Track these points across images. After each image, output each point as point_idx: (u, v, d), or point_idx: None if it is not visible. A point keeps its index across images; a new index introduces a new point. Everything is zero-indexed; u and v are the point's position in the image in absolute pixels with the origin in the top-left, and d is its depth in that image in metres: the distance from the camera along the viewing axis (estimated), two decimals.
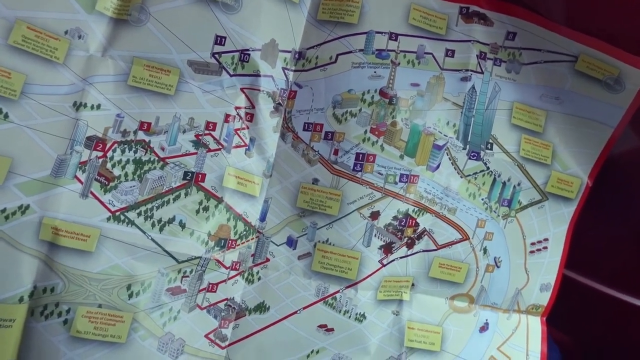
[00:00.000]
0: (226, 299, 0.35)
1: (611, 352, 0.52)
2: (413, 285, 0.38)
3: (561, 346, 0.50)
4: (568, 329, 0.53)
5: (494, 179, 0.39)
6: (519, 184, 0.39)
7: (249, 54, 0.35)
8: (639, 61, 0.38)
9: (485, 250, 0.39)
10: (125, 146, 0.33)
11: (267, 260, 0.36)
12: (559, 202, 0.41)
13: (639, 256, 0.46)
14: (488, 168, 0.38)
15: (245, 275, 0.36)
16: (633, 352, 0.49)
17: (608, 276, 0.47)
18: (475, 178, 0.38)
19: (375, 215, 0.36)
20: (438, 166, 0.37)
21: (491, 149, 0.38)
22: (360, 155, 0.36)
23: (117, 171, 0.33)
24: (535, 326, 0.42)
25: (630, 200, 0.44)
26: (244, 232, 0.36)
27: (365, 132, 0.36)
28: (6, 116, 0.30)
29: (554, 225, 0.41)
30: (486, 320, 0.40)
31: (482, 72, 0.38)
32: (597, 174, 0.41)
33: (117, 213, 0.32)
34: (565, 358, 0.50)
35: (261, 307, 0.35)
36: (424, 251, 0.38)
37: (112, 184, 0.32)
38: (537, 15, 0.38)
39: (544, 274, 0.41)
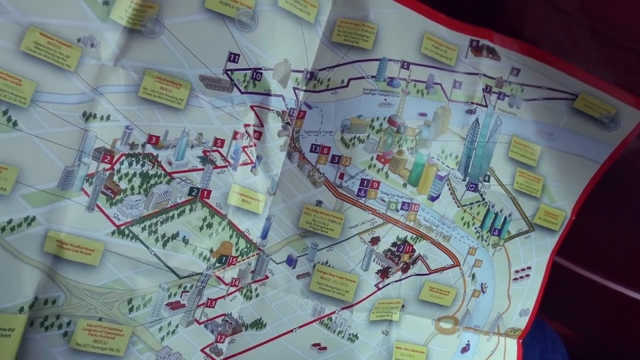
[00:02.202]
0: (224, 315, 0.35)
1: (613, 344, 0.54)
2: (403, 306, 0.40)
3: (565, 339, 0.53)
4: (571, 323, 0.55)
5: (488, 210, 0.40)
6: (509, 215, 0.41)
7: (261, 73, 0.35)
8: (638, 101, 0.40)
9: (473, 277, 0.41)
10: (133, 159, 0.33)
11: (266, 277, 0.37)
12: (543, 233, 0.43)
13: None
14: (484, 199, 0.40)
15: (244, 291, 0.36)
16: (633, 345, 0.52)
17: (610, 270, 0.49)
18: (471, 208, 0.40)
19: (375, 240, 0.37)
20: (438, 196, 0.38)
21: (488, 181, 0.40)
22: (365, 181, 0.37)
23: (123, 184, 0.32)
24: (512, 348, 0.44)
25: (631, 196, 0.45)
26: (245, 249, 0.36)
27: (372, 158, 0.37)
28: (15, 124, 0.29)
29: (537, 255, 0.43)
30: (468, 341, 0.42)
31: (486, 106, 0.39)
32: (579, 208, 0.43)
33: (122, 227, 0.32)
34: (570, 351, 0.53)
35: (258, 324, 0.36)
36: (416, 275, 0.39)
37: (118, 197, 0.32)
38: (544, 52, 0.39)
39: (524, 299, 0.44)
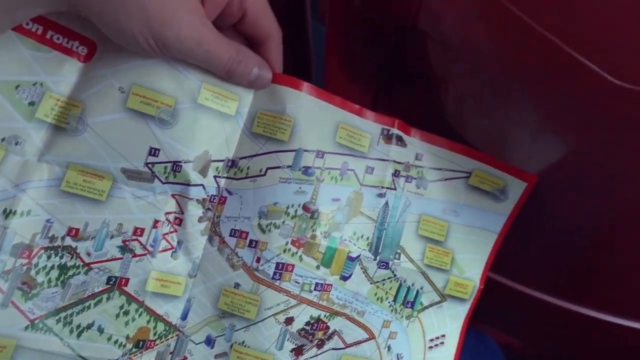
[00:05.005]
0: None
1: (548, 350, 0.57)
2: None
3: (509, 350, 0.55)
4: (516, 334, 0.58)
5: (400, 284, 0.43)
6: (421, 288, 0.44)
7: (181, 165, 0.37)
8: (521, 172, 0.44)
9: (389, 348, 0.44)
10: (52, 252, 0.34)
11: (185, 358, 0.38)
12: (455, 302, 0.46)
13: (571, 264, 0.52)
14: (395, 275, 0.43)
15: None
16: (565, 348, 0.55)
17: (548, 285, 0.53)
18: (383, 284, 0.43)
19: (289, 320, 0.39)
20: (350, 276, 0.41)
21: (399, 258, 0.43)
22: (280, 264, 0.39)
23: (40, 278, 0.33)
24: None
25: (556, 208, 0.48)
26: (164, 332, 0.37)
27: (287, 243, 0.39)
28: None
29: (450, 322, 0.46)
30: None
31: (395, 189, 0.43)
32: (486, 277, 0.47)
33: (36, 321, 0.33)
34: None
35: None
36: (333, 349, 0.42)
37: (34, 291, 0.33)
38: (439, 137, 0.43)
39: None
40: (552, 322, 0.57)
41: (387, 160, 0.42)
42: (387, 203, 0.42)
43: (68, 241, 0.34)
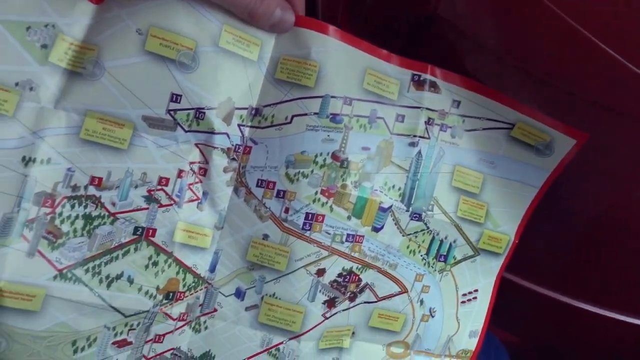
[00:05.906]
0: (172, 349, 0.36)
1: (557, 351, 0.57)
2: (353, 333, 0.41)
3: (508, 346, 0.54)
4: (516, 330, 0.57)
5: (433, 237, 0.42)
6: (454, 241, 0.42)
7: (204, 112, 0.35)
8: (570, 129, 0.41)
9: (421, 302, 0.42)
10: (75, 201, 0.33)
11: (215, 310, 0.37)
12: (489, 257, 0.44)
13: (576, 260, 0.51)
14: (428, 228, 0.41)
15: (193, 324, 0.37)
16: (576, 352, 0.54)
17: (549, 279, 0.52)
18: (416, 237, 0.41)
19: (321, 272, 0.38)
20: (382, 227, 0.39)
21: (432, 210, 0.41)
22: (310, 215, 0.37)
23: (65, 227, 0.33)
24: None
25: (564, 202, 0.47)
26: (193, 284, 0.37)
27: (316, 193, 0.37)
28: None
29: (483, 277, 0.45)
30: None
31: (428, 138, 0.40)
32: (521, 232, 0.45)
33: (64, 271, 0.32)
34: (513, 357, 0.54)
35: (207, 356, 0.37)
36: (365, 303, 0.40)
37: (59, 240, 0.32)
38: (481, 85, 0.40)
39: (472, 321, 0.45)
40: (551, 318, 0.55)
41: (420, 108, 0.40)
42: (420, 152, 0.40)
43: (91, 190, 0.33)
